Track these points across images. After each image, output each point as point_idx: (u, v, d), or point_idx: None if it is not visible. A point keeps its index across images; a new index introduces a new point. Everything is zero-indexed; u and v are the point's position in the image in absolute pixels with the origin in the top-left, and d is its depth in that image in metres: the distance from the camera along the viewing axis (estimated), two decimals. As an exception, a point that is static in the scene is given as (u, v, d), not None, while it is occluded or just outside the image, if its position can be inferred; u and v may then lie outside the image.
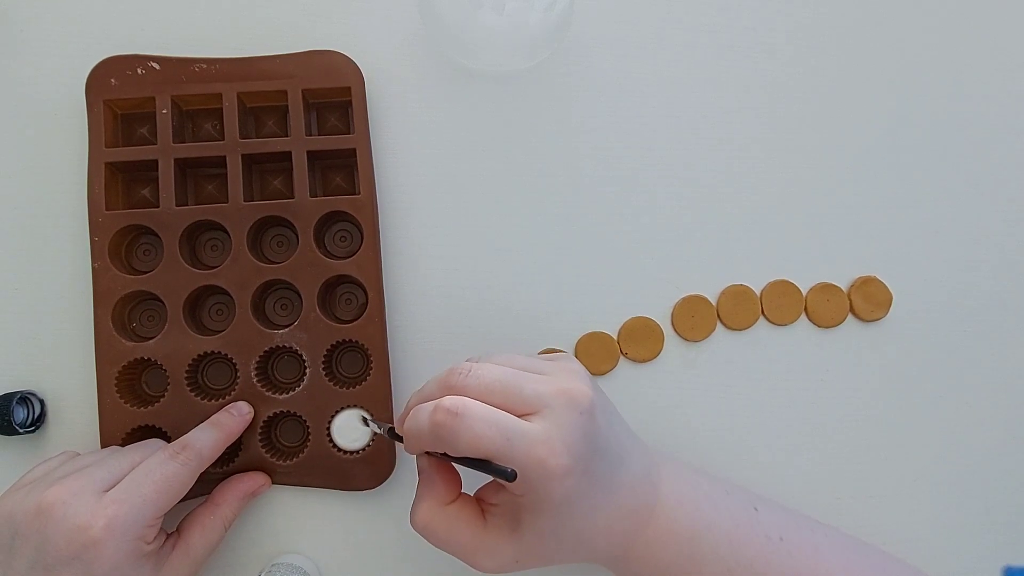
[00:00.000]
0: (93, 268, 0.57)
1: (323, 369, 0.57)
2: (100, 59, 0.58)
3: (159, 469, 0.50)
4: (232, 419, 0.56)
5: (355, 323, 0.58)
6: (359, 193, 0.59)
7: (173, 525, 0.55)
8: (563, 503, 0.44)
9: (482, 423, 0.43)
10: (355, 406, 0.57)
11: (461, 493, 0.49)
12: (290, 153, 0.58)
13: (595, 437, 0.45)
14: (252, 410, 0.57)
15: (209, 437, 0.54)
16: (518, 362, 0.47)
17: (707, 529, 0.49)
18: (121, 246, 0.59)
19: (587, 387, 0.46)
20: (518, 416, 0.44)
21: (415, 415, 0.45)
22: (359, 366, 0.60)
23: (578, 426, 0.44)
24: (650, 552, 0.49)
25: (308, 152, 0.59)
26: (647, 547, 0.49)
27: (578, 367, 0.49)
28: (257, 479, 0.57)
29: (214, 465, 0.55)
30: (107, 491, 0.49)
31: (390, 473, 0.58)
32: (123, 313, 0.58)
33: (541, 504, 0.45)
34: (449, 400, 0.43)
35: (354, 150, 0.59)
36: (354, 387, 0.57)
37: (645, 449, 0.51)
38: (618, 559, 0.50)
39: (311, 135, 0.60)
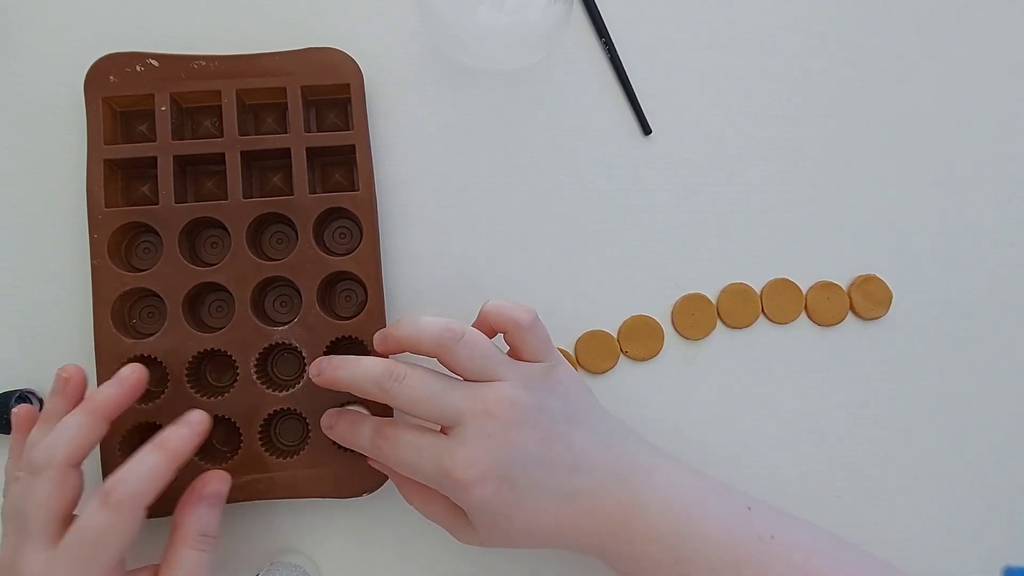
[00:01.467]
0: (92, 265, 0.57)
1: (323, 365, 0.58)
2: (99, 56, 0.59)
3: (91, 523, 0.46)
4: (181, 437, 0.49)
5: (355, 319, 0.58)
6: (358, 190, 0.59)
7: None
8: (484, 508, 0.49)
9: (404, 447, 0.50)
10: (355, 402, 0.58)
11: None
12: (289, 150, 0.59)
13: (512, 449, 0.49)
14: (210, 420, 0.52)
15: (147, 467, 0.47)
16: (480, 359, 0.51)
17: (693, 531, 0.50)
18: (121, 243, 0.59)
19: (510, 402, 0.49)
20: (444, 428, 0.50)
21: (359, 430, 0.52)
22: (359, 363, 0.60)
23: (484, 442, 0.48)
24: (633, 550, 0.50)
25: (307, 149, 0.59)
26: (630, 546, 0.50)
27: (537, 372, 0.52)
28: (207, 482, 0.52)
29: (214, 462, 0.56)
30: (53, 542, 0.46)
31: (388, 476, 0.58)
32: (123, 310, 0.58)
33: (466, 506, 0.50)
34: (386, 428, 0.51)
35: (353, 147, 0.59)
36: (354, 383, 0.58)
37: (625, 454, 0.52)
38: (603, 554, 0.52)
39: (310, 132, 0.60)
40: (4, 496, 0.50)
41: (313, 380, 0.53)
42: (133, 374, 0.51)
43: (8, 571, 0.47)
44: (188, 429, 0.50)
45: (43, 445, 0.47)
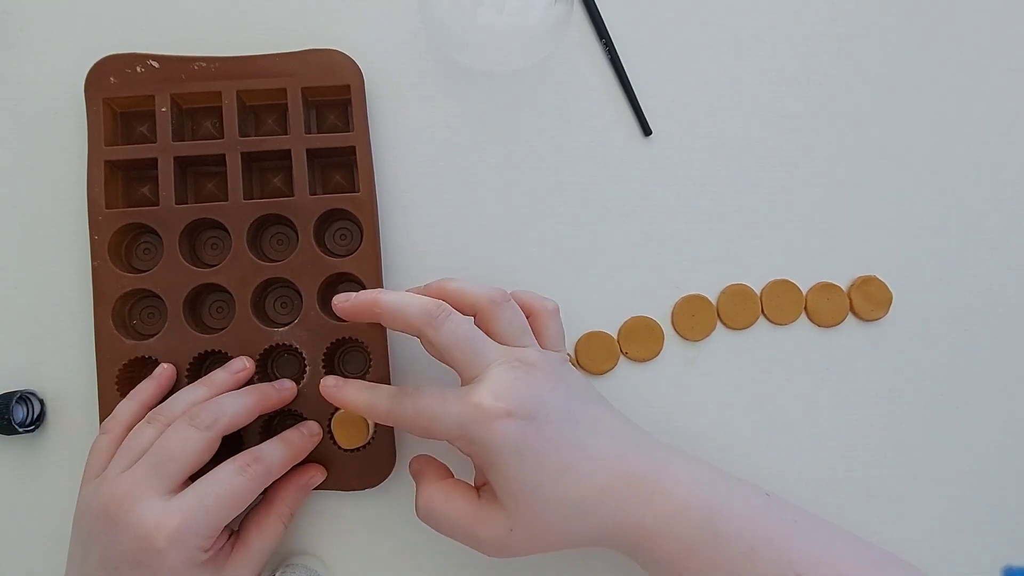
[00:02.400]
0: (93, 267, 0.58)
1: (323, 367, 0.58)
2: (99, 58, 0.59)
3: (226, 482, 0.52)
4: (302, 438, 0.57)
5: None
6: (359, 191, 0.60)
7: (235, 523, 0.55)
8: (509, 450, 0.49)
9: (428, 396, 0.51)
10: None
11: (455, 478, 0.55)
12: (290, 151, 0.59)
13: (537, 392, 0.50)
14: (321, 431, 0.58)
15: (280, 454, 0.55)
16: (517, 327, 0.53)
17: (723, 507, 0.50)
18: (121, 245, 0.59)
19: (537, 357, 0.52)
20: (470, 377, 0.51)
21: (375, 392, 0.53)
22: (359, 363, 0.61)
23: (510, 380, 0.50)
24: (666, 528, 0.50)
25: (308, 150, 0.59)
26: (662, 523, 0.50)
27: (557, 356, 0.54)
28: (309, 471, 0.58)
29: (216, 461, 0.56)
30: (172, 492, 0.50)
31: (390, 471, 0.59)
32: (123, 311, 0.59)
33: (489, 454, 0.49)
34: (409, 387, 0.52)
35: (353, 148, 0.60)
36: (355, 384, 0.58)
37: (641, 435, 0.54)
38: (632, 536, 0.50)
39: (310, 133, 0.60)
40: (104, 431, 0.55)
41: (342, 304, 0.54)
42: (291, 386, 0.58)
43: (119, 499, 0.50)
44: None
45: (212, 408, 0.53)
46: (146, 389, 0.56)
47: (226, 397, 0.55)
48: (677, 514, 0.50)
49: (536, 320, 0.55)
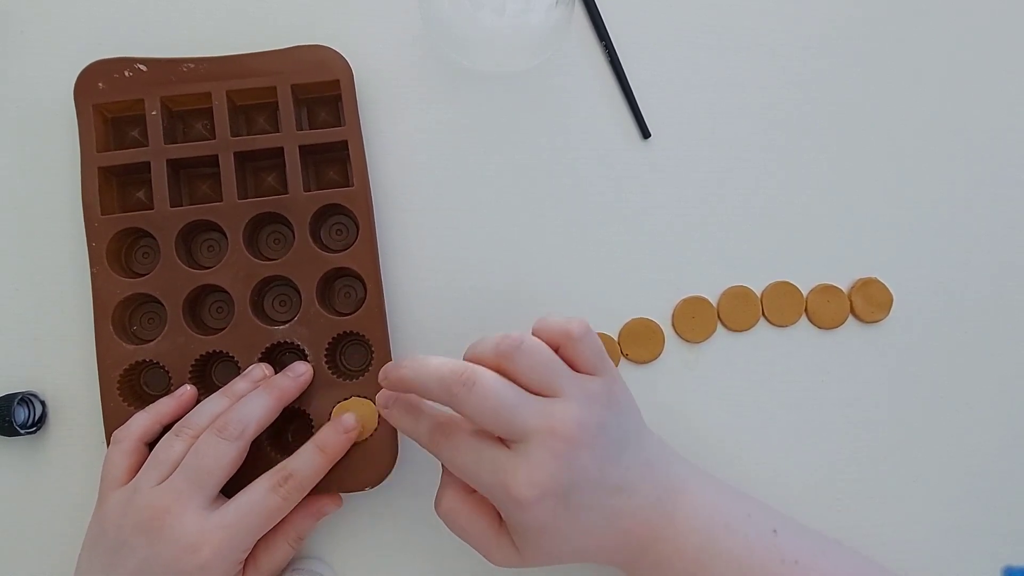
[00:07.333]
0: (92, 273, 0.59)
1: (325, 362, 0.59)
2: (91, 61, 0.60)
3: (263, 502, 0.54)
4: (337, 436, 0.57)
5: (355, 315, 0.60)
6: (352, 185, 0.61)
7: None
8: (537, 528, 0.50)
9: (465, 451, 0.51)
10: (359, 397, 0.60)
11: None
12: (282, 149, 0.60)
13: (575, 471, 0.49)
14: (357, 424, 0.58)
15: (312, 464, 0.56)
16: (543, 368, 0.51)
17: (717, 555, 0.52)
18: (119, 250, 0.61)
19: (577, 423, 0.49)
20: (506, 439, 0.50)
21: (417, 421, 0.53)
22: (361, 357, 0.62)
23: (549, 463, 0.48)
24: (659, 569, 0.53)
25: (300, 147, 0.61)
26: (654, 566, 0.53)
27: (598, 389, 0.52)
28: (323, 500, 0.59)
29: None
30: (210, 504, 0.53)
31: (391, 469, 0.60)
32: (123, 316, 0.60)
33: (515, 523, 0.50)
34: (448, 426, 0.52)
35: (346, 143, 0.61)
36: (357, 378, 0.60)
37: (659, 475, 0.54)
38: (631, 570, 0.54)
39: (302, 130, 0.61)
40: (116, 441, 0.56)
41: (381, 384, 0.53)
42: (305, 368, 0.59)
43: (160, 512, 0.52)
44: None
45: (238, 418, 0.55)
46: (165, 405, 0.58)
47: (247, 403, 0.56)
48: (667, 560, 0.52)
49: (564, 350, 0.52)
